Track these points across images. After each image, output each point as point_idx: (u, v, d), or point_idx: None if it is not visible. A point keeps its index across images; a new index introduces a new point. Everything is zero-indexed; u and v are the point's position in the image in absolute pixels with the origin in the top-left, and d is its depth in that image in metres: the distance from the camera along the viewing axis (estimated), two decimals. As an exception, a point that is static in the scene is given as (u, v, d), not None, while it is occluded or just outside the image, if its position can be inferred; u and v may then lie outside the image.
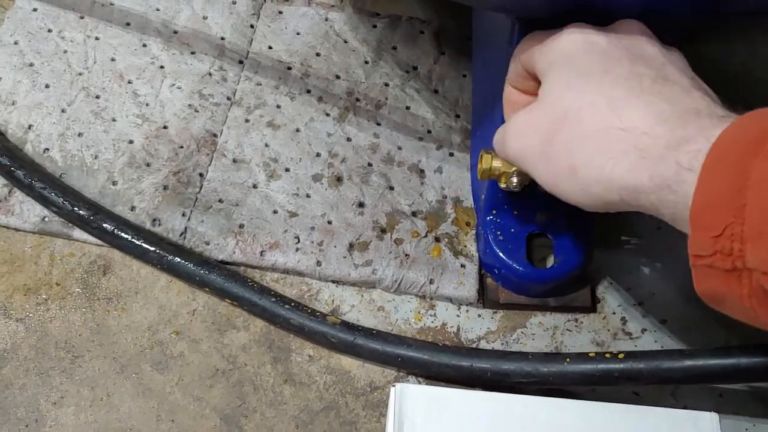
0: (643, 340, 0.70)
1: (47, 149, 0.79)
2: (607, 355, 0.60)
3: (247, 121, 0.82)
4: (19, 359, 0.68)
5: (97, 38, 0.88)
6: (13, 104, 0.83)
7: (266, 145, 0.80)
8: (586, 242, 0.70)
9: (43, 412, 0.66)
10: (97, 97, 0.83)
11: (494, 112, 0.67)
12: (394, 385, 0.59)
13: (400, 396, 0.58)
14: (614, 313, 0.72)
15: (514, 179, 0.61)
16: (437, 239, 0.74)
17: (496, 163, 0.62)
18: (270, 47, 0.88)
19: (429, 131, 0.82)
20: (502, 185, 0.63)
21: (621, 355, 0.60)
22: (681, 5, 0.53)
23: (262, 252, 0.73)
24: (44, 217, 0.75)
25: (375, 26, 0.91)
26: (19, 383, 0.67)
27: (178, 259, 0.70)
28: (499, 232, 0.70)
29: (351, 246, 0.73)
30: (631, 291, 0.72)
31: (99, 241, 0.74)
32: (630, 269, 0.73)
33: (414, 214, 0.75)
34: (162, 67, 0.86)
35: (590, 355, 0.61)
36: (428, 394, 0.58)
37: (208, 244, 0.73)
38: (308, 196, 0.77)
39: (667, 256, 0.74)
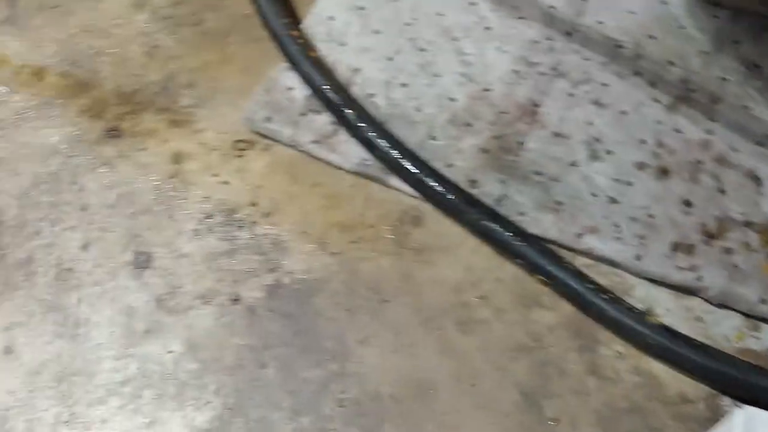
0: None
1: (372, 94, 0.80)
2: None
3: (571, 95, 0.79)
4: (330, 292, 0.70)
5: (426, -9, 0.88)
6: (343, 45, 0.84)
7: (590, 123, 0.77)
8: None
9: (349, 348, 0.68)
10: (423, 50, 0.83)
11: None
12: (739, 407, 0.54)
13: (749, 423, 0.53)
14: None
15: None
16: (770, 256, 0.68)
17: None
18: (600, 22, 0.84)
19: None
20: None
21: None
22: None
23: (579, 234, 0.70)
24: (364, 160, 0.76)
25: (716, 16, 0.85)
26: (328, 315, 0.69)
27: (494, 225, 0.70)
28: None
29: (675, 246, 0.69)
30: None
31: (414, 192, 0.74)
32: None
33: (747, 224, 0.70)
34: (489, 28, 0.85)
35: None
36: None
37: (522, 215, 0.72)
38: (630, 183, 0.73)
39: None
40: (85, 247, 0.72)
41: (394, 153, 0.74)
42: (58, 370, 0.67)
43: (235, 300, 0.70)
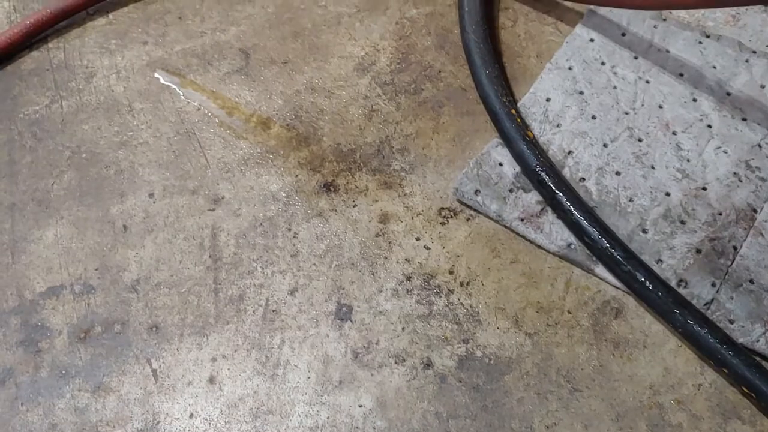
0: None
1: (583, 179, 0.81)
2: None
3: (794, 205, 0.75)
4: (522, 372, 0.70)
5: (647, 81, 0.88)
6: (558, 126, 0.85)
7: (813, 238, 0.73)
8: None
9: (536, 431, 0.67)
10: (640, 140, 0.83)
11: None
12: None
13: None
14: None
15: None
16: None
17: None
18: (834, 133, 0.81)
19: None
20: None
21: None
22: None
23: (793, 351, 0.67)
24: (570, 244, 0.76)
25: None
26: (518, 395, 0.69)
27: (702, 329, 0.67)
28: None
29: None
30: None
31: (618, 284, 0.73)
32: None
33: None
34: (710, 126, 0.83)
35: None
36: None
37: (732, 323, 0.69)
38: None
39: None
40: (292, 291, 0.76)
41: (603, 241, 0.73)
42: (254, 406, 0.70)
43: (427, 365, 0.72)
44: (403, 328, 0.74)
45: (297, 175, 0.84)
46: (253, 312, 0.75)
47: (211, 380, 0.71)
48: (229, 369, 0.72)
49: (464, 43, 0.92)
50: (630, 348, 0.70)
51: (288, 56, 0.94)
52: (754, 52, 0.89)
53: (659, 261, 0.74)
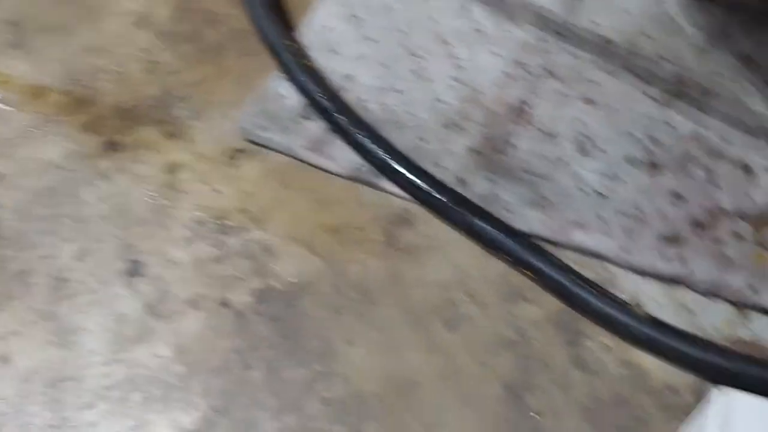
0: None
1: (365, 100, 0.81)
2: None
3: (562, 94, 0.79)
4: (318, 294, 0.70)
5: (422, -1, 0.89)
6: (337, 53, 0.85)
7: (580, 121, 0.77)
8: None
9: (335, 348, 0.68)
10: (417, 56, 0.84)
11: None
12: (718, 390, 0.53)
13: (728, 407, 0.52)
14: None
15: None
16: (762, 245, 0.66)
17: None
18: (594, 22, 0.84)
19: (761, 126, 0.74)
20: None
21: None
22: None
23: (565, 229, 0.70)
24: (356, 164, 0.77)
25: (710, 12, 0.84)
26: (316, 316, 0.69)
27: (481, 222, 0.69)
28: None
29: (663, 238, 0.68)
30: None
31: (404, 194, 0.74)
32: None
33: (738, 215, 0.69)
34: (482, 32, 0.85)
35: None
36: (763, 410, 0.52)
37: (510, 212, 0.72)
38: (619, 179, 0.72)
39: None
40: (80, 257, 0.74)
41: (385, 156, 0.74)
42: (49, 377, 0.68)
43: (225, 304, 0.71)
44: (197, 274, 0.73)
45: (77, 140, 0.81)
46: (41, 284, 0.72)
47: (4, 359, 0.68)
48: (20, 345, 0.69)
49: (237, -17, 0.90)
50: (420, 253, 0.71)
51: (62, 21, 0.90)
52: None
53: (440, 166, 0.75)
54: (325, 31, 0.86)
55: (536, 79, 0.79)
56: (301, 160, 0.78)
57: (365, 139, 0.75)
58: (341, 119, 0.77)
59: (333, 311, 0.69)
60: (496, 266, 0.69)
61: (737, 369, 0.58)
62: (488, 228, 0.68)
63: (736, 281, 0.65)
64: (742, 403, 0.52)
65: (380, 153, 0.74)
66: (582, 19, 0.84)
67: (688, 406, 0.60)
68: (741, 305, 0.64)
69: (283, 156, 0.78)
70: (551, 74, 0.79)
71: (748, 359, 0.59)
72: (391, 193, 0.75)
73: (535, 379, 0.64)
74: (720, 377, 0.60)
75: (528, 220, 0.70)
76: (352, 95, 0.81)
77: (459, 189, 0.73)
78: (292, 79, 0.81)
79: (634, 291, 0.67)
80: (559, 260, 0.66)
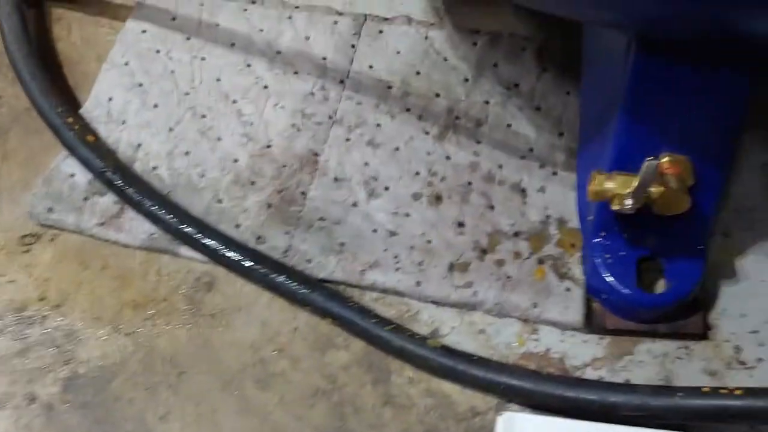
0: (760, 370, 0.67)
1: (155, 167, 0.81)
2: (723, 391, 0.58)
3: (347, 139, 0.82)
4: (128, 373, 0.70)
5: (203, 58, 0.90)
6: (123, 123, 0.85)
7: (366, 164, 0.80)
8: (698, 265, 0.67)
9: (150, 426, 0.67)
10: (204, 116, 0.85)
11: (604, 132, 0.65)
12: (500, 414, 0.57)
13: (508, 425, 0.56)
14: (727, 341, 0.68)
15: (629, 201, 0.59)
16: (541, 261, 0.72)
17: (609, 184, 0.60)
18: (371, 66, 0.88)
19: (531, 149, 0.81)
20: (615, 207, 0.61)
21: (738, 392, 0.57)
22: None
23: (362, 271, 0.73)
24: (152, 234, 0.77)
25: (475, 43, 0.90)
26: (127, 397, 0.69)
27: (281, 278, 0.71)
28: (607, 255, 0.68)
29: (451, 266, 0.72)
30: (746, 318, 0.69)
31: (205, 258, 0.75)
32: (744, 295, 0.70)
33: (516, 234, 0.74)
34: (266, 86, 0.87)
35: (704, 390, 0.59)
36: (537, 424, 0.56)
37: (309, 262, 0.74)
38: (408, 215, 0.76)
39: (785, 282, 0.70)
40: None
41: (179, 223, 0.74)
42: None
43: (32, 399, 0.69)
44: (1, 372, 0.70)
45: None
46: None
47: None
48: None
49: (11, 62, 0.88)
50: (227, 315, 0.72)
51: None
52: (297, 7, 0.94)
53: (238, 226, 0.76)
54: (109, 102, 0.85)
55: (322, 128, 0.82)
56: (96, 237, 0.77)
57: (158, 208, 0.75)
58: (131, 191, 0.77)
59: (144, 389, 0.69)
60: (304, 317, 0.71)
61: (525, 386, 0.63)
62: (288, 282, 0.70)
63: (520, 299, 0.70)
64: (525, 421, 0.56)
65: (174, 221, 0.74)
66: (360, 65, 0.87)
67: (492, 426, 0.64)
68: (528, 321, 0.69)
69: (78, 235, 0.77)
70: (336, 122, 0.83)
71: (535, 375, 0.64)
72: (192, 259, 0.75)
73: (350, 424, 0.66)
74: (510, 394, 0.64)
75: (327, 267, 0.73)
76: (142, 164, 0.81)
77: (258, 246, 0.74)
78: (78, 156, 0.80)
79: (434, 321, 0.70)
80: (356, 304, 0.69)
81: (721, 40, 0.54)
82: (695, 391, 0.59)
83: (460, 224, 0.76)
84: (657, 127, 0.63)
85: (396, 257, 0.73)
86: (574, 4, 0.54)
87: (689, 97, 0.61)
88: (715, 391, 0.59)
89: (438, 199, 0.77)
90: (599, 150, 0.66)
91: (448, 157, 0.81)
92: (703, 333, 0.68)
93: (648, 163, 0.57)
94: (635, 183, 0.59)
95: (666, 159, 0.62)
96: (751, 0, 0.47)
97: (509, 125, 0.83)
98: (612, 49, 0.68)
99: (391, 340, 0.67)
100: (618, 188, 0.60)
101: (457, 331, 0.71)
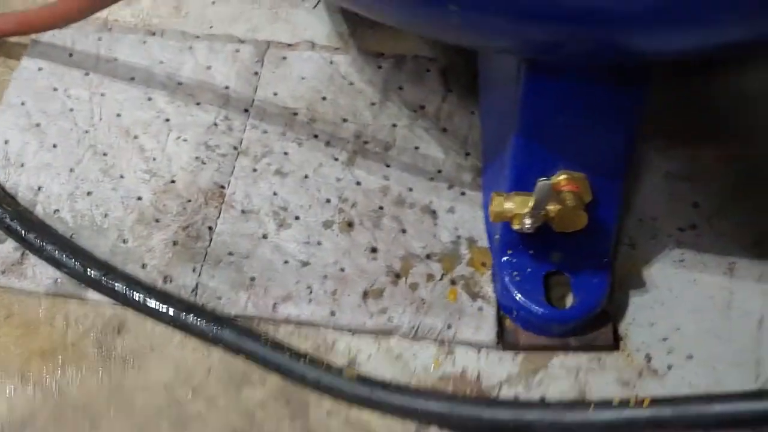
0: (670, 377, 0.68)
1: (57, 210, 0.79)
2: (632, 402, 0.59)
3: (254, 170, 0.81)
4: (37, 426, 0.67)
5: (102, 94, 0.89)
6: (22, 166, 0.82)
7: (275, 194, 0.79)
8: (604, 278, 0.68)
9: (62, 481, 0.65)
10: (105, 154, 0.83)
11: (503, 152, 0.66)
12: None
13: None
14: (638, 350, 0.70)
15: (527, 221, 0.60)
16: (453, 282, 0.73)
17: (508, 205, 0.61)
18: (275, 93, 0.88)
19: (439, 171, 0.81)
20: (515, 227, 0.62)
21: (646, 402, 0.58)
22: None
23: (274, 305, 0.72)
24: (57, 279, 0.75)
25: (380, 67, 0.90)
26: (37, 452, 0.66)
27: (190, 317, 0.70)
28: (515, 273, 0.68)
29: (365, 294, 0.72)
30: (655, 326, 0.70)
31: (112, 301, 0.73)
32: (652, 304, 0.71)
33: (428, 256, 0.74)
34: (168, 120, 0.86)
35: (614, 402, 0.60)
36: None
37: (220, 299, 0.72)
38: (319, 243, 0.76)
39: (689, 289, 0.72)
40: None
41: (82, 266, 0.72)
42: None
43: (-67, 463, 0.66)
44: None
45: None
46: None
47: None
48: None
49: None
50: (139, 358, 0.70)
51: None
52: (198, 37, 0.93)
53: (144, 265, 0.74)
54: (5, 145, 0.83)
55: (227, 159, 0.81)
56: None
57: (61, 252, 0.73)
58: (32, 237, 0.74)
59: (55, 442, 0.66)
60: (218, 355, 0.70)
61: (440, 410, 0.63)
62: (198, 321, 0.69)
63: (434, 321, 0.70)
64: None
65: (78, 265, 0.72)
66: (264, 93, 0.87)
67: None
68: (443, 343, 0.69)
69: (-20, 288, 0.74)
70: (242, 152, 0.82)
71: (451, 399, 0.64)
72: (100, 302, 0.73)
73: (268, 461, 0.65)
74: (427, 420, 0.64)
75: (238, 303, 0.72)
76: (43, 208, 0.79)
77: (165, 286, 0.73)
78: (-27, 204, 0.77)
79: (351, 350, 0.70)
80: (269, 338, 0.68)
81: (608, 59, 0.55)
82: (607, 404, 0.60)
83: (373, 250, 0.75)
84: (552, 146, 0.64)
85: (309, 288, 0.73)
86: (462, 34, 0.55)
87: (582, 114, 0.62)
88: (624, 403, 0.60)
89: (350, 225, 0.77)
90: (500, 170, 0.67)
91: (358, 183, 0.80)
92: (613, 344, 0.70)
93: (541, 183, 0.58)
94: (532, 203, 0.59)
95: (563, 177, 0.63)
96: (639, 23, 0.48)
97: (417, 147, 0.84)
98: (504, 71, 0.69)
99: (307, 372, 0.66)
100: (517, 208, 0.61)
101: (375, 359, 0.70)
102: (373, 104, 0.87)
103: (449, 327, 0.71)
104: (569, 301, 0.70)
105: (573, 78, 0.60)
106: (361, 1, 0.58)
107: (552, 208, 0.61)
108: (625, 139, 0.64)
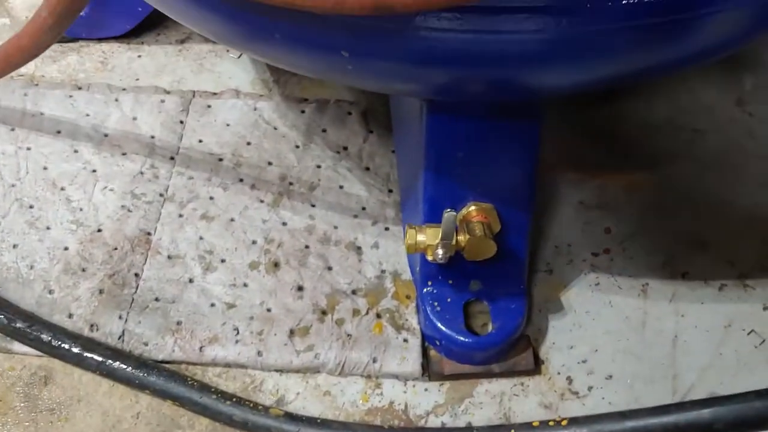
0: (591, 398, 0.70)
1: (-19, 265, 0.79)
2: (551, 423, 0.61)
3: (180, 216, 0.82)
4: (-40, 485, 0.66)
5: (29, 148, 0.89)
6: (-55, 222, 0.82)
7: (201, 238, 0.80)
8: (521, 304, 0.70)
9: None
10: (31, 207, 0.84)
11: (416, 187, 0.68)
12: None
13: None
14: (559, 373, 0.72)
15: (440, 251, 0.62)
16: (378, 315, 0.74)
17: (421, 237, 0.63)
18: (200, 141, 0.89)
19: (363, 208, 0.83)
20: (429, 258, 0.64)
21: (564, 422, 0.60)
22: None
23: (201, 348, 0.72)
24: (-20, 333, 0.74)
25: (303, 111, 0.93)
26: None
27: (116, 364, 0.70)
28: (436, 303, 0.70)
29: (292, 332, 0.73)
30: (574, 349, 0.72)
31: (38, 352, 0.73)
32: (570, 327, 0.74)
33: (354, 292, 0.76)
34: (94, 170, 0.86)
35: (534, 424, 0.61)
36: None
37: (146, 344, 0.73)
38: (246, 285, 0.77)
39: (605, 311, 0.75)
40: None
41: (7, 319, 0.72)
42: None
43: None
44: None
45: None
46: None
47: None
48: None
49: None
50: (66, 408, 0.70)
51: None
52: (124, 89, 0.94)
53: (71, 315, 0.75)
54: (-74, 204, 0.82)
55: (153, 206, 0.82)
56: None
57: (-18, 305, 0.72)
58: (-46, 292, 0.74)
59: (-22, 499, 0.65)
60: (146, 401, 0.70)
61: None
62: (124, 367, 0.69)
63: (360, 356, 0.71)
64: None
65: (3, 317, 0.72)
66: (189, 140, 0.88)
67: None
68: (370, 376, 0.70)
69: None
70: (168, 199, 0.83)
71: (376, 431, 0.65)
72: (26, 354, 0.73)
73: (196, 504, 0.65)
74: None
75: (165, 348, 0.72)
76: (-30, 264, 0.78)
77: (92, 334, 0.73)
78: None
79: (279, 389, 0.71)
80: (196, 381, 0.69)
81: (497, 98, 0.58)
82: (527, 427, 0.62)
83: (300, 288, 0.77)
84: (460, 179, 0.66)
85: (235, 329, 0.74)
86: (358, 78, 0.57)
87: (482, 149, 0.65)
88: (544, 424, 0.61)
89: (276, 265, 0.78)
90: (415, 204, 0.69)
91: (284, 223, 0.82)
92: (534, 368, 0.71)
93: (447, 215, 0.60)
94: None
95: (473, 208, 0.65)
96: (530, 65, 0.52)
97: (341, 186, 0.86)
98: (410, 111, 0.71)
99: (234, 413, 0.67)
100: (429, 240, 0.63)
101: (303, 396, 0.71)
102: (297, 147, 0.89)
103: (375, 360, 0.72)
104: (490, 328, 0.71)
105: (471, 115, 0.62)
106: (270, 54, 0.61)
107: (462, 238, 0.64)
108: (527, 170, 0.67)
